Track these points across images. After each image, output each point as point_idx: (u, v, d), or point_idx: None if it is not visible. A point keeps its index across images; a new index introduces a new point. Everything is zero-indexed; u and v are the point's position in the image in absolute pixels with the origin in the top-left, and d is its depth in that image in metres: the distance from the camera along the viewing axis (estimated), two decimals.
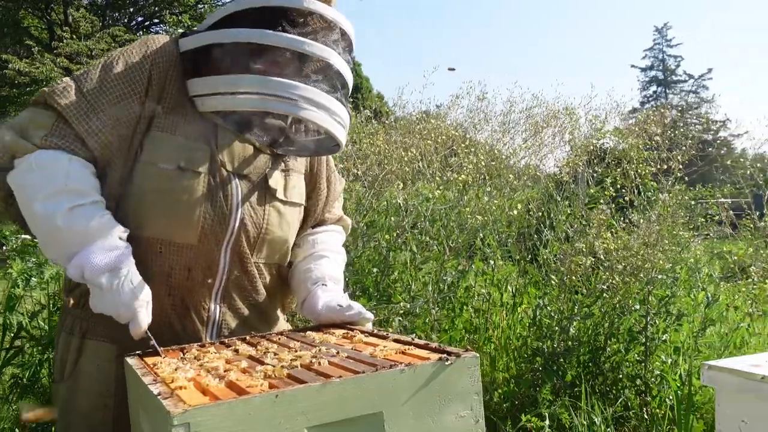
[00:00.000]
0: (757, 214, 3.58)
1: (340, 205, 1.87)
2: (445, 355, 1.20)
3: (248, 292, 1.60)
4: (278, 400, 1.03)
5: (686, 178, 3.50)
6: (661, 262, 3.09)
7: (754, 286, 4.09)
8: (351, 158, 3.26)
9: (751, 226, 3.53)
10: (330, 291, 1.67)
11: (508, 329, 3.61)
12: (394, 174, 3.27)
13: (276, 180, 1.60)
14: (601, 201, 3.69)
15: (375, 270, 3.43)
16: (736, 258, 4.36)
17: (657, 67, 39.53)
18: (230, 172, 1.53)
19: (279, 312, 1.75)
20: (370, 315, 1.65)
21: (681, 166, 3.57)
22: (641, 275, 3.15)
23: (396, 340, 1.41)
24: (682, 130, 3.48)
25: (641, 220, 3.14)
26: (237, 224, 1.53)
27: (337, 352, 1.30)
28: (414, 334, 3.11)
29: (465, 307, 3.76)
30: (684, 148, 3.56)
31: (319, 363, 1.22)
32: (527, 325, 3.53)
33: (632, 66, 40.66)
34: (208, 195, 1.49)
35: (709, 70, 38.73)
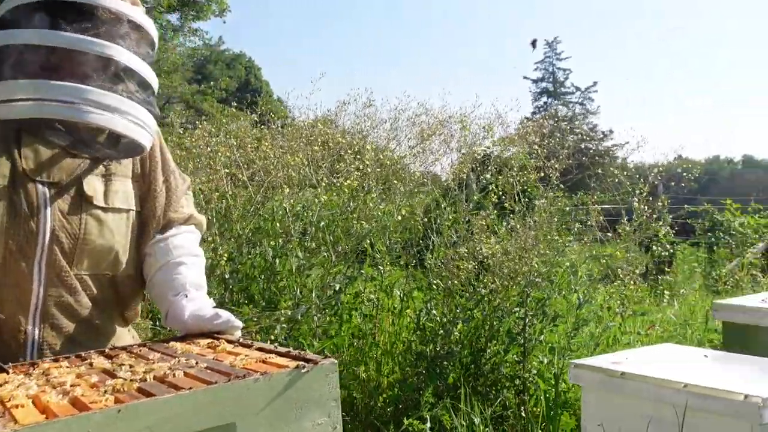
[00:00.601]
0: (626, 218, 3.81)
1: (190, 204, 1.76)
2: (302, 362, 1.20)
3: (72, 308, 1.49)
4: (121, 415, 0.99)
5: (562, 186, 3.67)
6: (537, 265, 3.23)
7: (624, 288, 4.35)
8: (235, 164, 3.21)
9: (620, 231, 3.75)
10: (195, 299, 1.61)
11: (394, 334, 3.65)
12: (281, 180, 3.25)
13: (93, 186, 1.51)
14: (487, 207, 3.82)
15: (261, 277, 3.39)
16: (609, 261, 4.63)
17: (547, 79, 41.39)
18: (35, 180, 1.42)
19: (118, 325, 1.67)
20: (238, 323, 1.61)
21: (558, 174, 3.74)
22: (519, 279, 3.28)
23: (260, 349, 1.39)
24: (558, 139, 3.65)
25: (518, 226, 3.27)
26: (47, 236, 1.42)
27: (196, 363, 1.27)
28: (297, 342, 3.10)
29: (354, 312, 3.78)
30: (561, 157, 3.73)
31: (174, 375, 1.18)
32: (412, 329, 3.59)
33: (524, 77, 42.25)
34: (9, 207, 1.39)
35: (595, 83, 40.90)
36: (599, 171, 3.60)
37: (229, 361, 1.29)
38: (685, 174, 4.52)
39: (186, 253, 1.66)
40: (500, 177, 3.79)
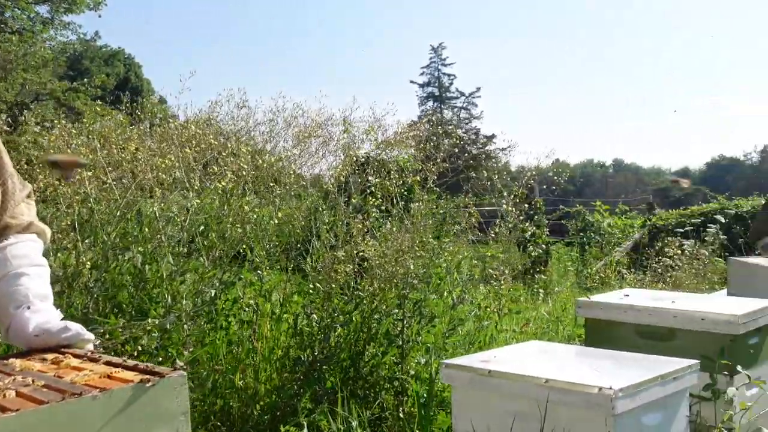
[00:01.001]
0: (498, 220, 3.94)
1: (32, 211, 1.65)
2: (147, 376, 1.13)
3: None
4: None
5: (437, 189, 3.75)
6: (414, 267, 3.27)
7: (500, 287, 4.50)
8: (100, 165, 3.03)
9: (493, 232, 3.87)
10: (40, 311, 1.50)
11: (273, 340, 3.59)
12: (150, 182, 3.11)
13: None
14: (369, 210, 3.84)
15: (130, 284, 3.23)
16: (489, 261, 4.77)
17: (433, 84, 42.40)
18: None
19: None
20: (89, 336, 1.51)
21: (435, 177, 3.81)
22: (396, 281, 3.31)
23: (108, 363, 1.31)
24: (434, 143, 3.72)
25: (394, 228, 3.30)
26: None
27: (33, 381, 1.18)
28: (167, 352, 2.97)
29: (232, 319, 3.68)
30: (437, 160, 3.80)
31: (5, 395, 1.09)
32: (291, 334, 3.54)
33: (411, 82, 43.06)
34: None
35: (478, 89, 42.20)
36: (473, 174, 3.70)
37: (70, 378, 1.21)
38: (556, 177, 4.73)
39: (28, 264, 1.54)
40: (379, 180, 3.81)
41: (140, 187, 3.19)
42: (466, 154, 4.66)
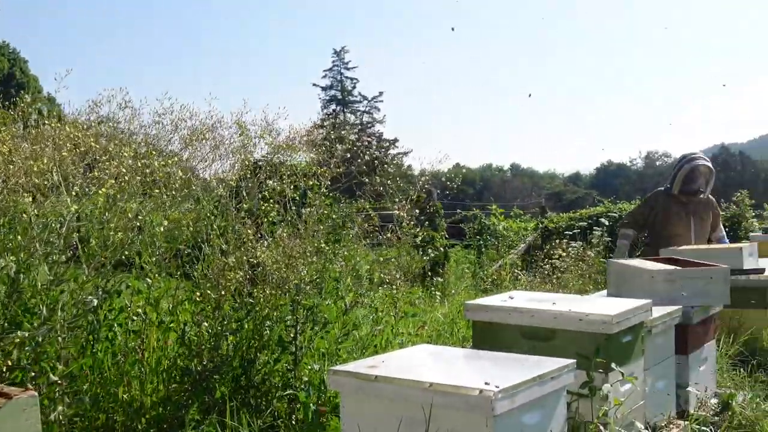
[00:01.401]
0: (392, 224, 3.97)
1: None
2: None
3: None
4: None
5: (330, 194, 3.73)
6: (305, 273, 3.24)
7: (396, 290, 4.54)
8: None
9: (386, 237, 3.90)
10: None
11: (159, 350, 3.46)
12: (21, 186, 2.92)
13: None
14: (264, 214, 3.77)
15: (3, 295, 3.02)
16: (390, 264, 4.80)
17: (336, 87, 42.45)
18: None
19: None
20: None
21: (329, 182, 3.79)
22: (288, 286, 3.27)
23: None
24: (327, 147, 3.70)
25: (284, 234, 3.26)
26: None
27: None
28: (40, 367, 2.80)
29: (118, 329, 3.53)
30: (331, 165, 3.79)
31: None
32: (179, 344, 3.42)
33: (314, 84, 42.88)
34: None
35: (381, 93, 42.64)
36: (365, 179, 3.70)
37: None
38: (449, 182, 4.82)
39: None
40: (275, 184, 3.75)
41: (14, 191, 2.99)
42: (359, 160, 4.65)
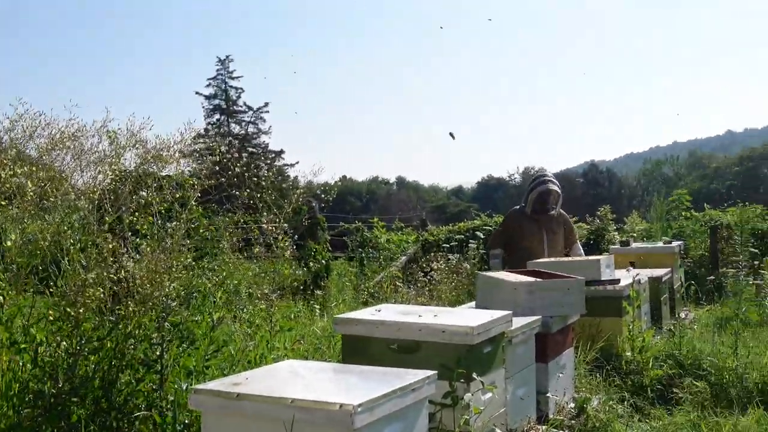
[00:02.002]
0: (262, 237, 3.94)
1: None
2: None
3: None
4: None
5: (213, 205, 3.65)
6: (171, 288, 3.14)
7: (272, 304, 4.49)
8: None
9: (256, 250, 3.86)
10: None
11: (9, 372, 3.23)
12: None
13: None
14: (129, 228, 3.61)
15: None
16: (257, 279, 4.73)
17: (220, 97, 41.49)
18: None
19: None
20: None
21: (199, 195, 3.70)
22: (152, 303, 3.15)
23: None
24: (196, 157, 3.62)
25: (148, 249, 3.15)
26: None
27: None
28: None
29: None
30: (201, 177, 3.70)
31: None
32: (32, 365, 3.21)
33: (197, 93, 41.72)
34: None
35: (266, 104, 42.06)
36: (236, 192, 3.65)
37: None
38: (323, 195, 4.84)
39: None
40: (139, 196, 3.62)
41: None
42: (230, 172, 4.56)
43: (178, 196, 3.41)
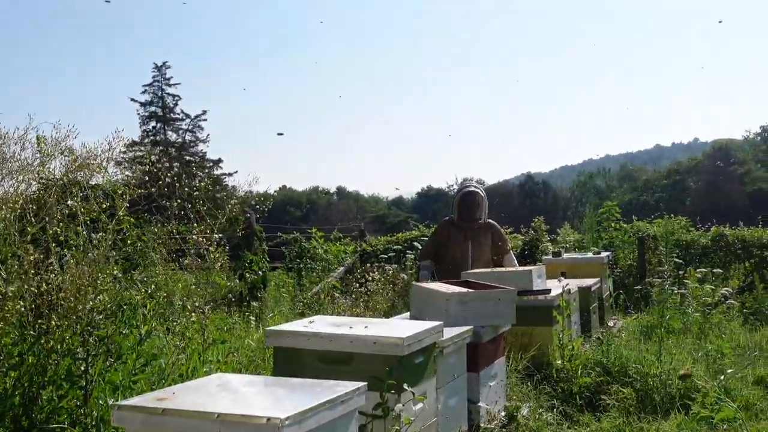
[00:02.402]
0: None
1: None
2: None
3: None
4: None
5: (128, 216, 3.56)
6: (96, 301, 3.05)
7: (204, 316, 4.41)
8: None
9: (186, 261, 3.79)
10: None
11: None
12: None
13: None
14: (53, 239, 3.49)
15: None
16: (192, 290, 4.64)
17: (156, 104, 40.61)
18: None
19: None
20: None
21: (128, 205, 3.61)
22: (76, 317, 3.06)
23: None
24: (128, 168, 3.54)
25: (72, 261, 3.06)
26: None
27: None
28: None
29: None
30: (131, 187, 3.62)
31: None
32: None
33: (132, 99, 40.72)
34: None
35: (204, 112, 41.38)
36: (165, 202, 3.58)
37: None
38: (258, 206, 4.80)
39: None
40: (63, 206, 3.51)
41: None
42: (159, 182, 4.45)
43: (104, 206, 3.32)
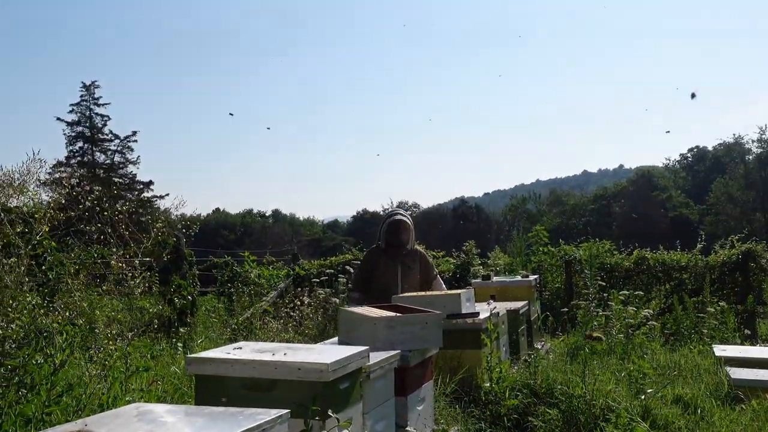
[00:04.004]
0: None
1: None
2: None
3: None
4: None
5: (47, 239, 3.44)
6: (8, 329, 2.92)
7: (127, 343, 4.28)
8: None
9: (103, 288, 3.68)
10: None
11: None
12: None
13: None
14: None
15: None
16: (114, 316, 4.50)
17: (84, 123, 39.43)
18: None
19: None
20: None
21: (47, 228, 3.49)
22: None
23: None
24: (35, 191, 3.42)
25: None
26: None
27: None
28: None
29: None
30: (50, 211, 3.50)
31: None
32: None
33: (58, 119, 39.42)
34: None
35: (134, 133, 40.39)
36: (84, 227, 3.47)
37: None
38: (185, 230, 4.71)
39: None
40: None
41: None
42: (80, 206, 4.30)
43: (18, 230, 3.19)
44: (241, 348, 3.16)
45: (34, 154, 3.41)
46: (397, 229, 5.72)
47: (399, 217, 5.76)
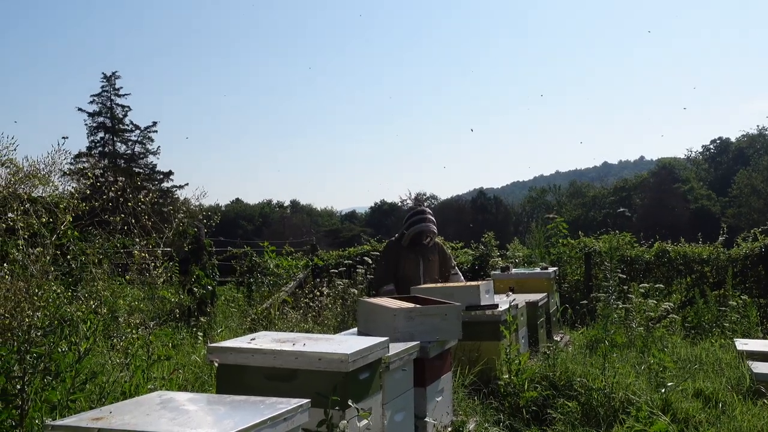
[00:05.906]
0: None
1: None
2: None
3: None
4: None
5: (72, 230, 3.49)
6: (34, 318, 2.97)
7: (149, 332, 4.33)
8: None
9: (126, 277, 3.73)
10: None
11: None
12: None
13: None
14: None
15: None
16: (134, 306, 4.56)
17: (105, 114, 39.81)
18: None
19: None
20: None
21: (71, 219, 3.53)
22: (11, 333, 2.96)
23: None
24: (70, 182, 3.46)
25: (7, 276, 2.97)
26: None
27: None
28: None
29: None
30: (74, 201, 3.54)
31: None
32: None
33: (79, 109, 39.82)
34: None
35: (155, 123, 40.75)
36: (108, 217, 3.51)
37: None
38: (206, 221, 4.74)
39: None
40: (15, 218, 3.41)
41: None
42: (104, 196, 4.37)
43: (44, 220, 3.24)
44: (257, 338, 3.18)
45: (59, 144, 3.45)
46: (423, 237, 5.83)
47: (428, 226, 5.81)
